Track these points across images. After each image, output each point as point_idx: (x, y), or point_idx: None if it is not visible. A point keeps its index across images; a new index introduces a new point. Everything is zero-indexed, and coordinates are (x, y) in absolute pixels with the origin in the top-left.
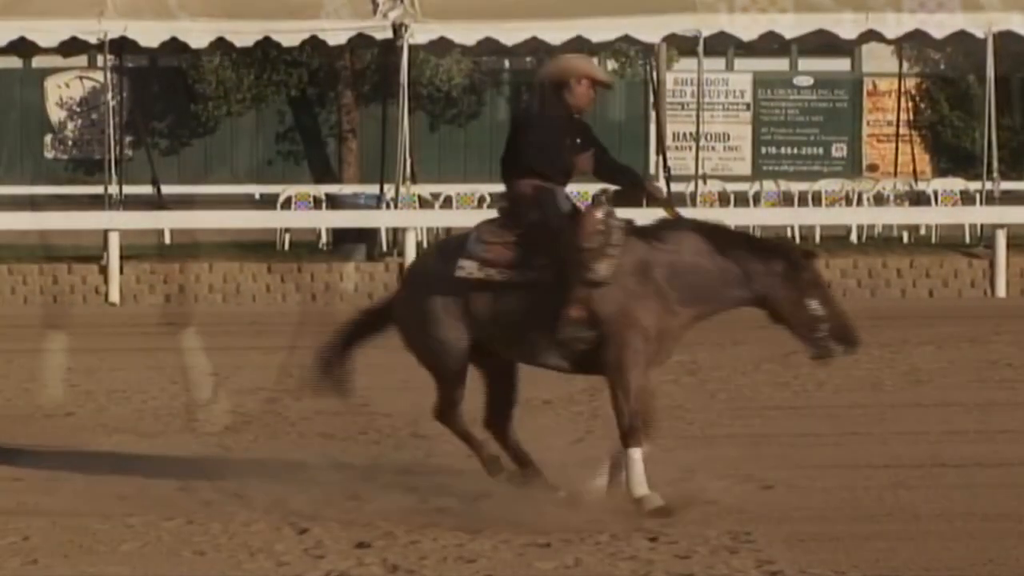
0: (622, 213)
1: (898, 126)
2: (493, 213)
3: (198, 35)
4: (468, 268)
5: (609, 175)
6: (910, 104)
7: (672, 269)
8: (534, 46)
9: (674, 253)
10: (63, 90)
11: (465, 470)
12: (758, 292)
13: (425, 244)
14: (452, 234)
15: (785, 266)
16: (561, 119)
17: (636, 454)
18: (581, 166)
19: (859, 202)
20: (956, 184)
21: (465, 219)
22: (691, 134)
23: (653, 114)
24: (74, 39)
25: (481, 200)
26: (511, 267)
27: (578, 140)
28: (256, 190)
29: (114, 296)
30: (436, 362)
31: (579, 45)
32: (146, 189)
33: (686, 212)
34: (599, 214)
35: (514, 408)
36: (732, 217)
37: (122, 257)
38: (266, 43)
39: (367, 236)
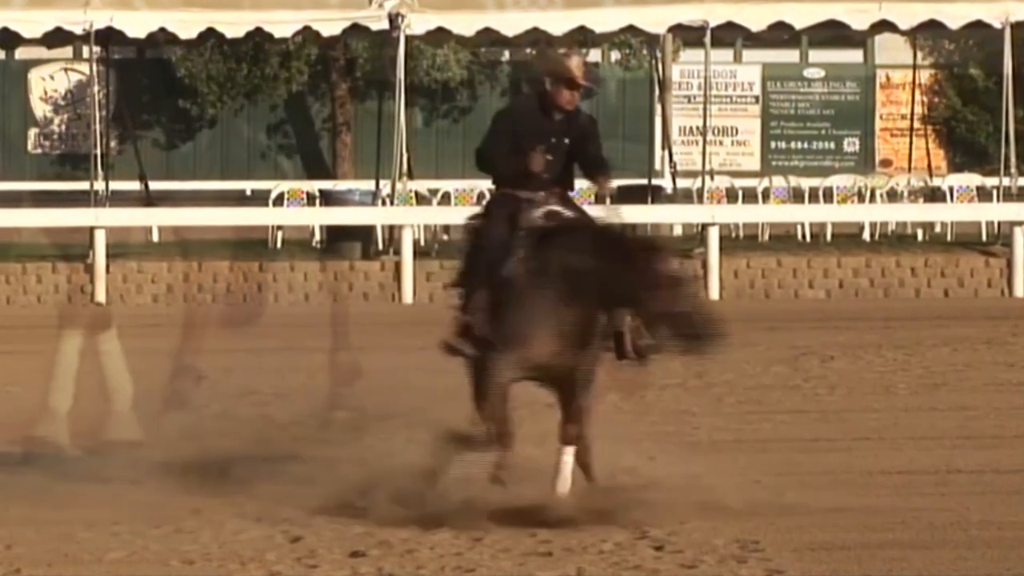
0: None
1: (912, 120)
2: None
3: (187, 26)
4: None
5: (584, 171)
6: (924, 97)
7: (558, 273)
8: (535, 37)
9: (563, 258)
10: (47, 83)
11: (464, 476)
12: (626, 295)
13: (422, 242)
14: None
15: (651, 267)
16: (524, 120)
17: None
18: (533, 166)
19: (872, 198)
20: (972, 180)
21: (464, 216)
22: (698, 128)
23: (658, 107)
24: (59, 30)
25: (480, 197)
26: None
27: (559, 138)
28: (247, 186)
29: (100, 296)
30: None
31: (581, 36)
32: (133, 185)
33: (692, 209)
34: (535, 214)
35: None
36: (740, 214)
37: (108, 256)
38: (258, 34)
39: (362, 234)
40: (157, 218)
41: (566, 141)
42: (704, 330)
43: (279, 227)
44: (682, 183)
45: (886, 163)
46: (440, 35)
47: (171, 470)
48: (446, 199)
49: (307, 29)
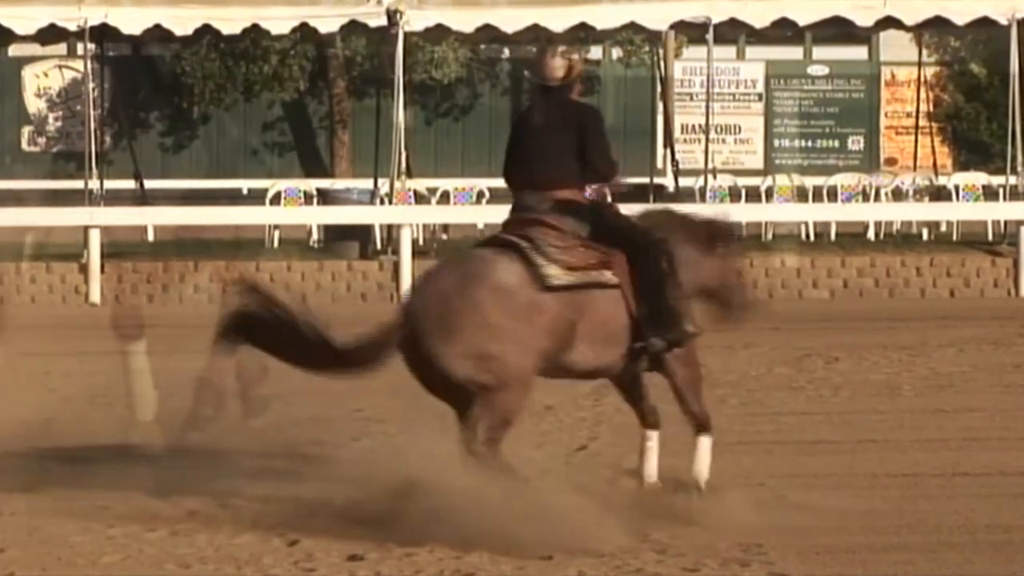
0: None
1: (917, 118)
2: (490, 209)
3: (182, 22)
4: (557, 275)
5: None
6: (930, 95)
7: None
8: (535, 34)
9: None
10: (41, 80)
11: (463, 480)
12: (708, 277)
13: (421, 241)
14: (459, 253)
15: (723, 242)
16: None
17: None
18: None
19: (876, 197)
20: (978, 178)
21: (462, 215)
22: (700, 126)
23: (660, 105)
24: (53, 26)
25: (480, 195)
26: (595, 268)
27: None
28: (244, 185)
29: (95, 296)
30: (516, 383)
31: (582, 33)
32: (128, 184)
33: (694, 207)
34: None
35: None
36: (744, 213)
37: (103, 255)
38: (254, 31)
39: (360, 233)
40: (153, 217)
41: None
42: (745, 299)
43: (276, 226)
44: (684, 182)
45: (891, 162)
46: (439, 32)
47: (167, 473)
48: (445, 198)
49: (304, 26)
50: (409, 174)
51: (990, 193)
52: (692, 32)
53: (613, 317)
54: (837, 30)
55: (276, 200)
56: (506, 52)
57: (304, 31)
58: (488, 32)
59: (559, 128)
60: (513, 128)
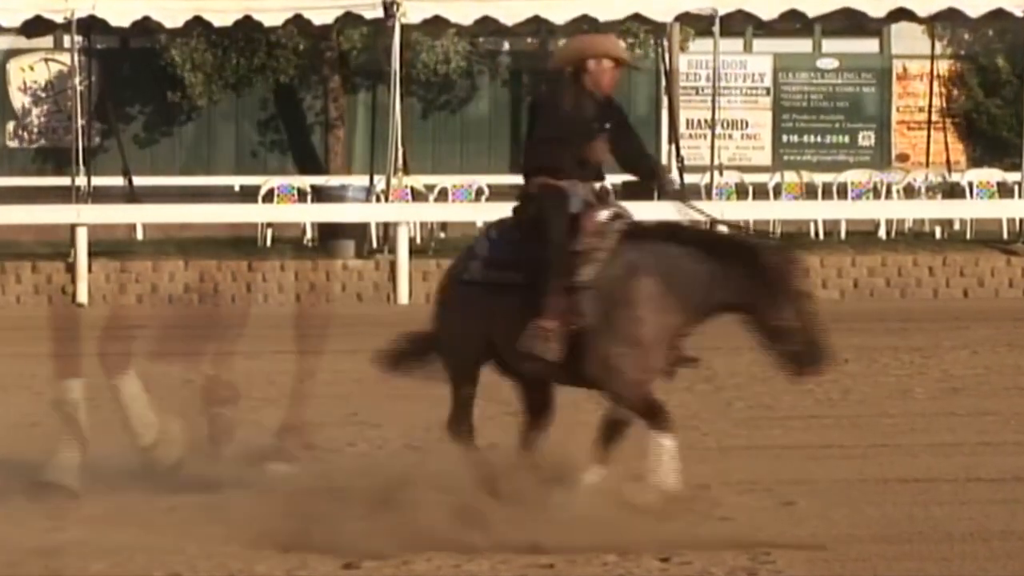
0: (635, 208)
1: (930, 112)
2: (489, 206)
3: (172, 14)
4: (472, 270)
5: (627, 164)
6: (943, 89)
7: (665, 274)
8: (536, 26)
9: (668, 257)
10: (27, 73)
11: (462, 484)
12: (741, 299)
13: (418, 240)
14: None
15: (772, 270)
16: (573, 106)
17: (667, 440)
18: (595, 155)
19: (888, 195)
20: (993, 175)
21: (461, 213)
22: (706, 121)
23: (665, 100)
24: (39, 18)
25: (479, 192)
26: (510, 269)
27: (602, 125)
28: (236, 182)
29: (82, 296)
30: (447, 370)
31: (585, 25)
32: (117, 181)
33: (701, 206)
34: (602, 215)
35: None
36: (750, 211)
37: (91, 254)
38: (247, 23)
39: (355, 231)
40: (141, 215)
41: (607, 127)
42: (816, 348)
43: (269, 224)
44: (690, 178)
45: (903, 158)
46: (437, 24)
47: (157, 478)
48: (443, 195)
49: (298, 17)
50: (406, 170)
51: (1005, 190)
52: (698, 24)
53: None
54: (847, 22)
55: (269, 197)
56: (506, 45)
57: (298, 23)
58: (487, 24)
59: None
60: None
